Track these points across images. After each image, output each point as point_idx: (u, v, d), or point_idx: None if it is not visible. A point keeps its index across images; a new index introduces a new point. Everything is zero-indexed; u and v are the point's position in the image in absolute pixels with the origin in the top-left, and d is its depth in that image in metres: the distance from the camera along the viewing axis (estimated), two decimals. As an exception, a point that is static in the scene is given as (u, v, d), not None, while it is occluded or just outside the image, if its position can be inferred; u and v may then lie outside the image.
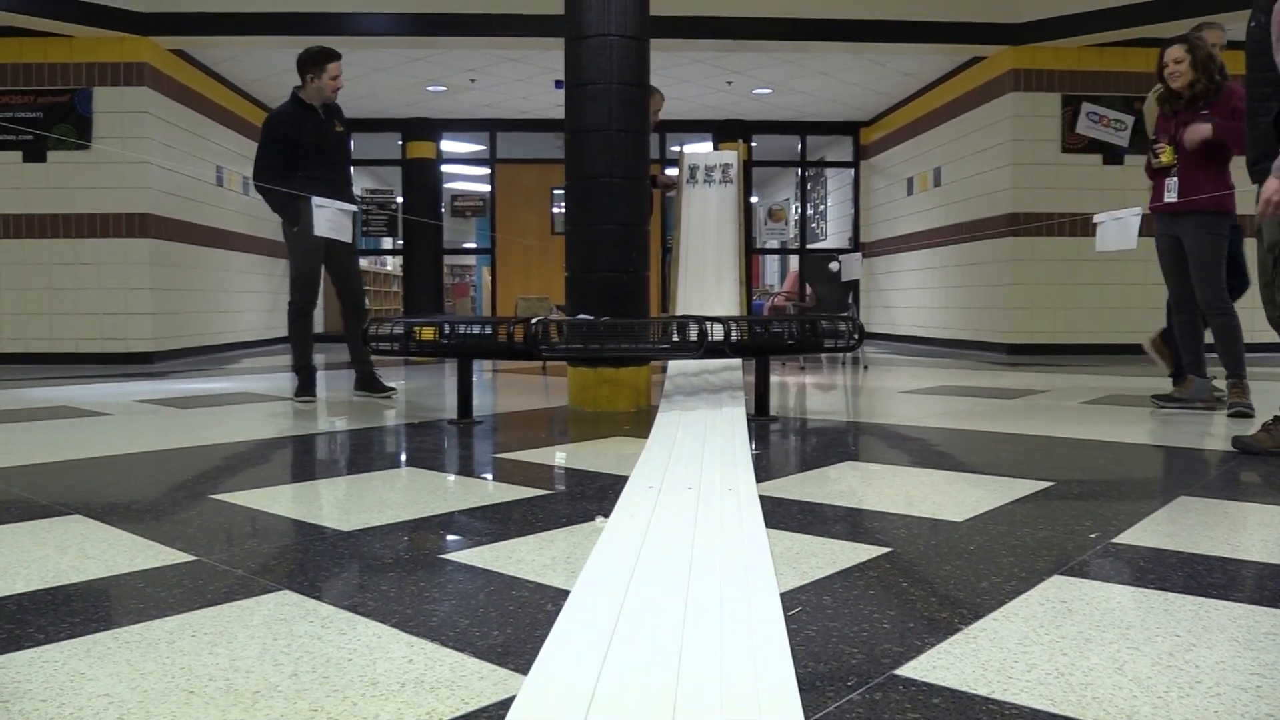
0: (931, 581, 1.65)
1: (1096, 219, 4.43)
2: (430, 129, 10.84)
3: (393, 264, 14.63)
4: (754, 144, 11.61)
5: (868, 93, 9.92)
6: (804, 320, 4.38)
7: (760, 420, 3.86)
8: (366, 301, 5.15)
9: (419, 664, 1.26)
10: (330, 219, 4.50)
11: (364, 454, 3.19)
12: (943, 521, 2.09)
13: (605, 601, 1.46)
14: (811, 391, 5.37)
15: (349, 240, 4.72)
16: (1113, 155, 8.03)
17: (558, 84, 8.58)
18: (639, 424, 3.75)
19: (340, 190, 4.70)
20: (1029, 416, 4.03)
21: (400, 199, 11.46)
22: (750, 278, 10.32)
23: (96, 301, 7.44)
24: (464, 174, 13.12)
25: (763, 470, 2.75)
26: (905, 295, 10.45)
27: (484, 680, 1.21)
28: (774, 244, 13.10)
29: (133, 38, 7.37)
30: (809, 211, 12.78)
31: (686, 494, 2.28)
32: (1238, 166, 3.71)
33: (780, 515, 2.14)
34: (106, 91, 7.42)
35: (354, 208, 4.83)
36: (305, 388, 4.64)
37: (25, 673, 1.23)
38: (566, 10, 4.33)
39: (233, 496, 2.41)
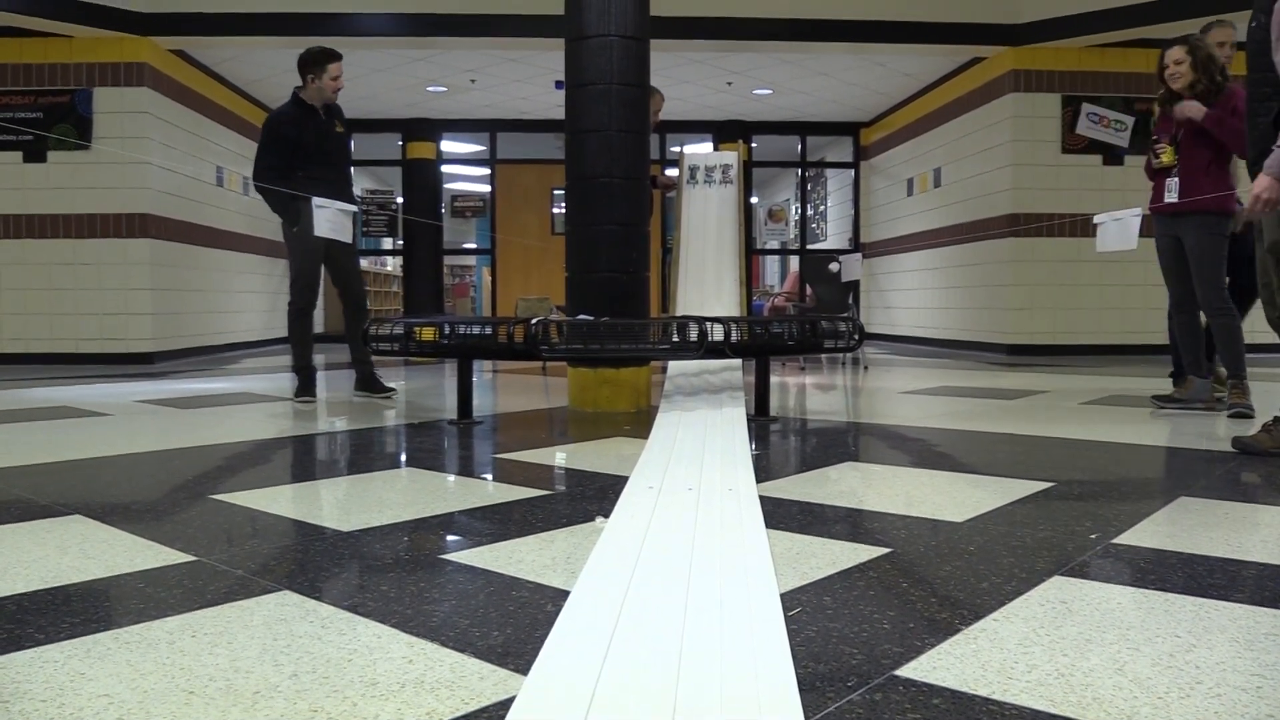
0: (932, 582, 1.65)
1: (1097, 219, 4.42)
2: (430, 129, 10.84)
3: (393, 264, 14.63)
4: (754, 144, 11.61)
5: (868, 93, 9.92)
6: (804, 321, 4.38)
7: (760, 421, 3.86)
8: (368, 302, 5.15)
9: (419, 664, 1.26)
10: (330, 219, 4.50)
11: (364, 454, 3.19)
12: (943, 522, 2.09)
13: (605, 602, 1.46)
14: (811, 392, 5.37)
15: (349, 241, 4.72)
16: (1113, 156, 8.03)
17: (558, 84, 8.59)
18: (639, 424, 3.75)
19: (340, 191, 4.70)
20: (1029, 417, 4.03)
21: (400, 199, 11.47)
22: (750, 278, 10.31)
23: (97, 302, 7.44)
24: (464, 174, 13.12)
25: (763, 471, 2.75)
26: (905, 296, 10.45)
27: (484, 680, 1.21)
28: (774, 244, 13.10)
29: (133, 38, 7.37)
30: (809, 212, 12.78)
31: (686, 494, 2.28)
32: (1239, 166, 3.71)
33: (780, 516, 2.14)
34: (106, 92, 7.42)
35: (354, 208, 4.84)
36: (305, 388, 4.64)
37: (25, 673, 1.23)
38: (566, 10, 4.33)
39: (233, 497, 2.41)
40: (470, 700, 1.14)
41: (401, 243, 11.91)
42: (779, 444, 3.44)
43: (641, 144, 4.39)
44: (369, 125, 10.59)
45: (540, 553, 1.84)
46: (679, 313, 5.30)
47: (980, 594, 1.57)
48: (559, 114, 4.93)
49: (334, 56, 4.58)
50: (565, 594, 1.53)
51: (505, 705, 1.12)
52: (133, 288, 7.44)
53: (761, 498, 2.27)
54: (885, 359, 8.08)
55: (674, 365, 4.98)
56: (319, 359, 5.70)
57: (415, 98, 9.87)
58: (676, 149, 8.85)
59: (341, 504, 2.37)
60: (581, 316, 4.04)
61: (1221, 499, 2.38)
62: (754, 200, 14.21)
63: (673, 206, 6.56)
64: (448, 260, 13.90)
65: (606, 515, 2.10)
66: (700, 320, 3.80)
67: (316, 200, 4.44)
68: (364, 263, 11.58)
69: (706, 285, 5.58)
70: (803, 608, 1.49)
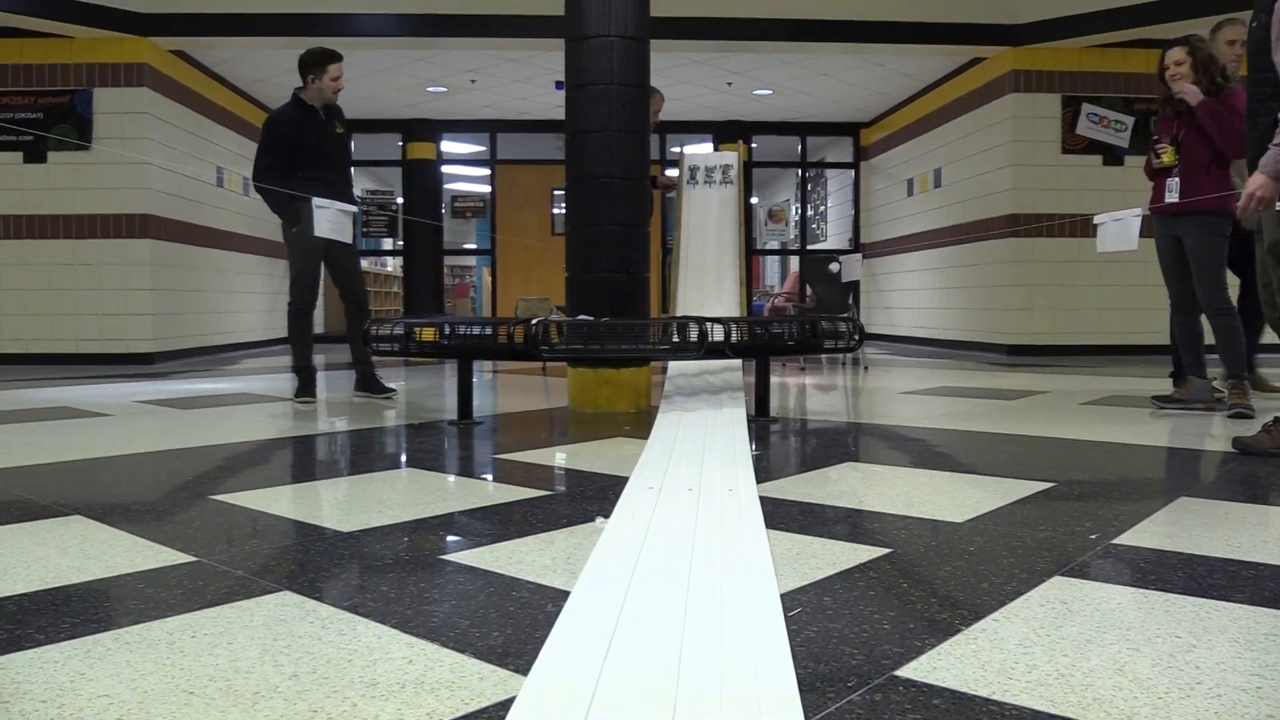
0: (932, 582, 1.65)
1: (1097, 220, 4.43)
2: (430, 129, 10.85)
3: (393, 265, 14.64)
4: (754, 145, 11.61)
5: (868, 93, 9.92)
6: (804, 321, 4.38)
7: (760, 421, 3.86)
8: (369, 302, 5.15)
9: (419, 665, 1.26)
10: (330, 220, 4.50)
11: (364, 455, 3.19)
12: (943, 522, 2.09)
13: (605, 602, 1.46)
14: (811, 392, 5.37)
15: (349, 241, 4.72)
16: (1113, 156, 8.03)
17: (558, 85, 8.59)
18: (639, 425, 3.75)
19: (340, 191, 4.70)
20: (1029, 417, 4.03)
21: (400, 200, 11.47)
22: (750, 278, 10.31)
23: (97, 302, 7.44)
24: (464, 175, 13.12)
25: (763, 471, 2.75)
26: (905, 296, 10.45)
27: (484, 681, 1.21)
28: (774, 245, 13.10)
29: (133, 38, 7.37)
30: (809, 212, 12.78)
31: (687, 495, 2.28)
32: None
33: (780, 516, 2.14)
34: (106, 92, 7.42)
35: (354, 209, 4.83)
36: (305, 388, 4.64)
37: (25, 673, 1.23)
38: (567, 11, 4.33)
39: (233, 497, 2.41)
40: (470, 701, 1.14)
41: (401, 243, 11.91)
42: (779, 444, 3.44)
43: (641, 144, 4.39)
44: (369, 125, 10.60)
45: (540, 553, 1.84)
46: (679, 313, 5.31)
47: (980, 594, 1.57)
48: (559, 114, 4.93)
49: (334, 57, 4.59)
50: (565, 594, 1.53)
51: (505, 706, 1.12)
52: (133, 288, 7.44)
53: (761, 498, 2.26)
54: (885, 359, 8.08)
55: (674, 365, 4.98)
56: (319, 359, 5.70)
57: (415, 98, 9.88)
58: (676, 149, 8.85)
59: (342, 504, 2.37)
60: (581, 317, 4.04)
61: (1222, 499, 2.38)
62: (754, 201, 14.21)
63: (673, 207, 6.56)
64: (448, 261, 13.90)
65: (606, 516, 2.10)
66: (700, 320, 3.80)
67: (316, 201, 4.44)
68: (364, 263, 11.58)
69: (706, 285, 5.58)
70: (803, 608, 1.49)
